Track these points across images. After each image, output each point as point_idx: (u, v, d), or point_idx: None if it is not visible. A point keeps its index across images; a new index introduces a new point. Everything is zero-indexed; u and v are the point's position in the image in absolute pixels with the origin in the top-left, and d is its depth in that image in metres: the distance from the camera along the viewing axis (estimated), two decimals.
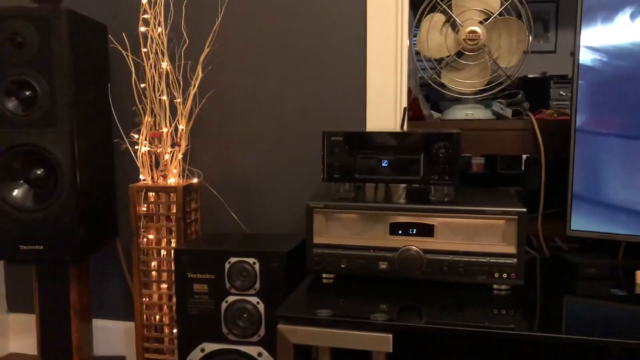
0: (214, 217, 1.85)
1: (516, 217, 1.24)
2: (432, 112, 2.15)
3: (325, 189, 1.45)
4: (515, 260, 1.24)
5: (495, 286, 1.27)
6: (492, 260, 1.25)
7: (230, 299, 1.46)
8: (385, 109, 1.76)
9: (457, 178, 1.29)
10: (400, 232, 1.31)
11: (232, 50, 1.79)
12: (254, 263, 1.44)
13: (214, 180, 1.84)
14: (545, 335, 1.08)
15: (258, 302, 1.45)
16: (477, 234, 1.27)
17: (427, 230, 1.29)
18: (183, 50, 1.75)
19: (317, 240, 1.35)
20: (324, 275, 1.38)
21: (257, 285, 1.44)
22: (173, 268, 1.66)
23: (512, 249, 1.25)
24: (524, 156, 2.44)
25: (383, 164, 1.33)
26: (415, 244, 1.30)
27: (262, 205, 1.84)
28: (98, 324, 1.97)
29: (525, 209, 1.24)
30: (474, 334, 1.09)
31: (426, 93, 2.27)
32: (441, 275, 1.28)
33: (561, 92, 3.19)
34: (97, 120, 1.76)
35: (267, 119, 1.81)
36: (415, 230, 1.30)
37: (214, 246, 1.50)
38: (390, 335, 1.10)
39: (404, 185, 1.52)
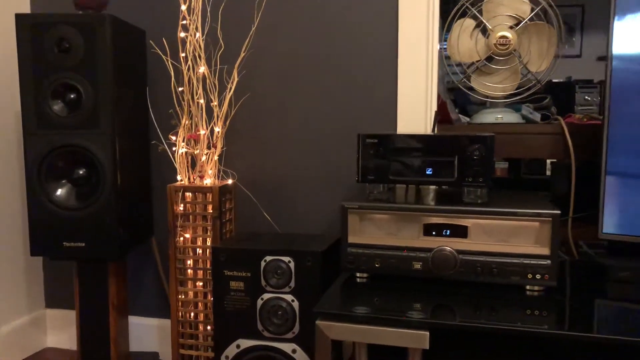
0: (247, 217, 1.90)
1: (550, 219, 1.26)
2: (460, 115, 2.18)
3: (358, 191, 1.49)
4: (549, 261, 1.26)
5: (528, 287, 1.29)
6: (526, 261, 1.28)
7: (266, 296, 1.51)
8: (415, 112, 1.79)
9: (490, 180, 1.32)
10: (433, 233, 1.33)
11: (265, 55, 1.84)
12: (289, 262, 1.48)
13: (248, 181, 1.89)
14: (578, 335, 1.10)
15: (293, 300, 1.49)
16: (510, 236, 1.29)
17: (460, 231, 1.32)
18: (219, 55, 1.80)
19: (351, 239, 1.38)
20: (358, 274, 1.41)
21: (292, 283, 1.48)
22: (209, 266, 1.72)
23: (545, 251, 1.27)
24: (549, 161, 2.44)
25: (417, 166, 1.36)
26: (449, 244, 1.32)
27: (293, 206, 1.88)
28: (132, 320, 2.03)
29: (559, 211, 1.26)
30: (508, 332, 1.12)
31: (453, 97, 2.29)
32: (474, 275, 1.31)
33: (586, 97, 3.18)
34: (136, 123, 1.83)
35: (299, 122, 1.85)
36: (448, 231, 1.33)
37: (250, 245, 1.55)
38: (427, 333, 1.12)
39: (434, 187, 1.55)
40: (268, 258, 1.49)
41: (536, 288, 1.28)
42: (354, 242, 1.38)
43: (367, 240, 1.38)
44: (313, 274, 1.47)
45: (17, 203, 2.05)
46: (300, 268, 1.48)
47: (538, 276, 1.27)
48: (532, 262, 1.27)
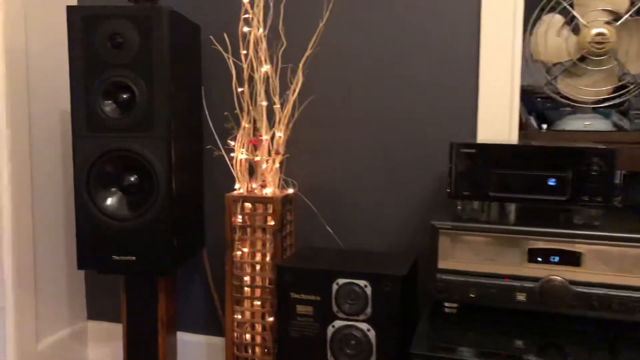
0: (306, 230, 1.74)
1: None
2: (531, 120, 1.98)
3: (440, 207, 1.32)
4: None
5: None
6: None
7: (338, 323, 1.34)
8: (498, 117, 1.61)
9: (611, 200, 1.13)
10: (539, 259, 1.15)
11: (332, 54, 1.68)
12: (365, 286, 1.31)
13: (307, 191, 1.73)
14: None
15: (369, 329, 1.32)
16: (635, 265, 1.10)
17: (572, 259, 1.13)
18: (280, 53, 1.64)
19: (442, 264, 1.21)
20: (447, 304, 1.24)
21: (368, 311, 1.32)
22: (267, 284, 1.56)
23: None
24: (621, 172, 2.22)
25: (523, 182, 1.17)
26: (559, 273, 1.14)
27: (357, 220, 1.71)
28: (178, 336, 1.88)
29: None
30: None
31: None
32: (589, 310, 1.12)
33: None
34: (190, 126, 1.68)
35: (367, 128, 1.68)
36: (557, 257, 1.14)
37: (319, 264, 1.38)
38: None
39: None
40: (341, 281, 1.33)
41: None
42: (446, 268, 1.21)
43: (460, 265, 1.20)
44: (392, 301, 1.30)
45: (60, 210, 1.93)
46: (378, 293, 1.31)
47: None
48: None
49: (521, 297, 1.15)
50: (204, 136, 1.79)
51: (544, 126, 1.91)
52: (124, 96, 1.49)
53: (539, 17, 1.67)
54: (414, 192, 1.66)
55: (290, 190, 1.65)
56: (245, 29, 1.53)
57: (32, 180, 1.79)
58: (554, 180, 1.15)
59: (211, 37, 1.66)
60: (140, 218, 1.50)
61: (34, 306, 1.83)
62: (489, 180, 1.19)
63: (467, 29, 1.59)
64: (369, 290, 1.31)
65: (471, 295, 1.19)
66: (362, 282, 1.32)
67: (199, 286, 1.91)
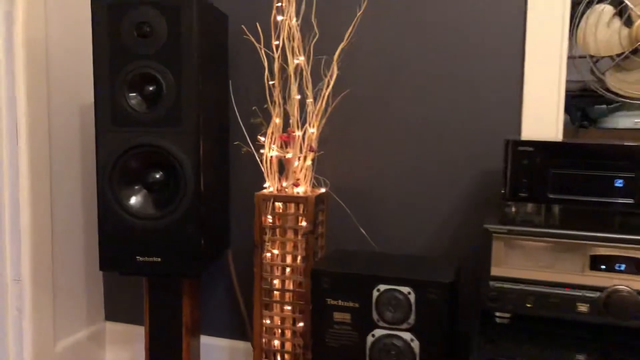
0: (337, 231, 1.66)
1: None
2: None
3: (482, 209, 1.23)
4: None
5: None
6: None
7: (378, 332, 1.26)
8: (544, 114, 1.51)
9: None
10: (603, 267, 1.06)
11: (368, 46, 1.59)
12: (409, 293, 1.23)
13: (339, 190, 1.65)
14: None
15: (412, 340, 1.23)
16: None
17: None
18: (312, 44, 1.55)
19: (495, 272, 1.12)
20: (498, 314, 1.15)
21: (412, 319, 1.23)
22: (298, 288, 1.48)
23: None
24: None
25: (584, 183, 1.08)
26: (624, 282, 1.05)
27: (391, 221, 1.62)
28: (201, 340, 1.81)
29: None
30: None
31: None
32: None
33: None
34: (217, 121, 1.60)
35: (404, 124, 1.59)
36: (624, 265, 1.05)
37: (359, 269, 1.30)
38: None
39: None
40: (382, 287, 1.24)
41: None
42: (499, 275, 1.12)
43: (515, 273, 1.11)
44: (438, 309, 1.21)
45: (79, 209, 1.85)
46: (423, 301, 1.22)
47: None
48: None
49: (583, 307, 1.06)
50: (232, 131, 1.71)
51: (584, 123, 1.82)
52: (150, 88, 1.41)
53: (587, 8, 1.57)
54: (452, 192, 1.57)
55: (322, 190, 1.57)
56: (280, 17, 1.45)
57: (51, 178, 1.72)
58: (620, 181, 1.06)
59: (243, 26, 1.57)
60: (166, 217, 1.42)
61: (51, 307, 1.76)
62: (548, 181, 1.10)
63: (512, 21, 1.50)
64: (412, 297, 1.23)
65: (528, 305, 1.10)
66: (405, 289, 1.23)
67: (222, 288, 1.84)
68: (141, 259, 1.44)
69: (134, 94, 1.42)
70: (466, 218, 1.55)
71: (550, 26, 1.50)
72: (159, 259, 1.44)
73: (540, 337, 1.11)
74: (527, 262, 1.11)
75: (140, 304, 1.92)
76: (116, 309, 2.00)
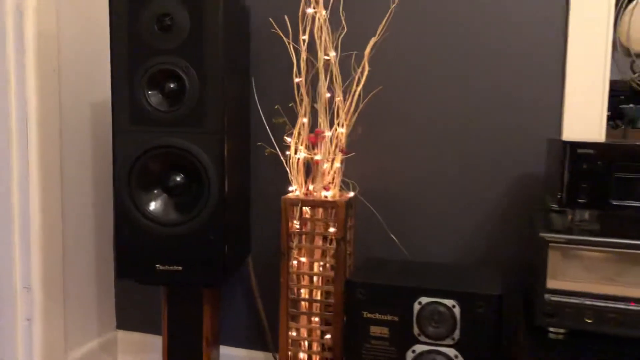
0: (363, 237, 1.57)
1: None
2: None
3: (523, 214, 1.14)
4: None
5: None
6: None
7: (419, 348, 1.17)
8: (587, 113, 1.43)
9: None
10: None
11: (399, 42, 1.50)
12: (454, 306, 1.14)
13: (367, 194, 1.56)
14: None
15: (456, 356, 1.15)
16: None
17: None
18: (340, 39, 1.47)
19: (551, 284, 1.03)
20: (552, 329, 1.06)
21: (457, 335, 1.14)
22: (327, 298, 1.39)
23: None
24: None
25: None
26: None
27: (424, 227, 1.53)
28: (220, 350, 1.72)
29: None
30: None
31: None
32: None
33: None
34: (240, 120, 1.51)
35: (437, 124, 1.50)
36: None
37: (397, 280, 1.21)
38: None
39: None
40: (424, 300, 1.16)
41: None
42: (556, 288, 1.03)
43: (573, 286, 1.03)
44: (486, 324, 1.13)
45: (90, 214, 1.76)
46: (469, 315, 1.13)
47: None
48: None
49: None
50: (254, 131, 1.62)
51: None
52: (171, 86, 1.33)
53: (630, 1, 1.49)
54: (489, 196, 1.48)
55: (351, 193, 1.48)
56: (310, 10, 1.36)
57: (62, 181, 1.63)
58: None
59: (271, 19, 1.48)
60: (188, 223, 1.34)
61: (62, 316, 1.67)
62: (611, 186, 1.01)
63: (553, 14, 1.41)
64: (457, 311, 1.14)
65: (587, 320, 1.01)
66: (449, 302, 1.14)
67: (240, 296, 1.75)
68: (161, 267, 1.35)
69: (154, 92, 1.33)
70: (503, 224, 1.46)
71: (594, 19, 1.41)
72: (180, 268, 1.35)
73: (600, 355, 1.02)
74: (587, 274, 1.02)
75: (153, 312, 1.84)
76: (128, 317, 1.91)
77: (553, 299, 1.03)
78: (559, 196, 1.05)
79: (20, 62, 1.50)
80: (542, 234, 1.03)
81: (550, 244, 1.02)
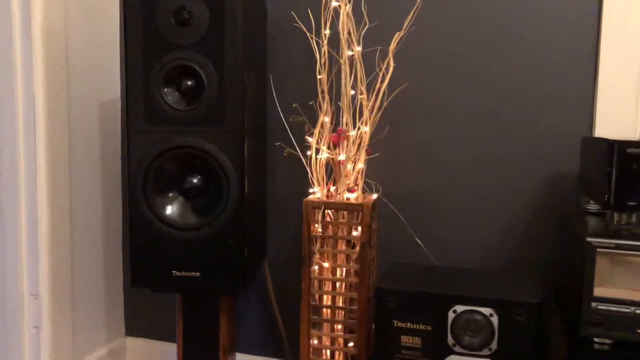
0: (386, 240, 1.51)
1: None
2: None
3: (557, 216, 1.08)
4: None
5: None
6: None
7: (454, 359, 1.11)
8: (623, 110, 1.37)
9: None
10: None
11: (425, 35, 1.44)
12: (491, 315, 1.08)
13: (390, 196, 1.50)
14: None
15: None
16: None
17: None
18: (362, 34, 1.40)
19: (599, 292, 0.97)
20: (597, 340, 1.00)
21: (494, 345, 1.08)
22: (350, 305, 1.33)
23: None
24: None
25: None
26: None
27: (449, 230, 1.47)
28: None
29: None
30: None
31: None
32: None
33: None
34: (258, 119, 1.45)
35: (464, 123, 1.44)
36: None
37: (430, 287, 1.15)
38: None
39: None
40: (459, 308, 1.10)
41: None
42: (604, 296, 0.97)
43: (622, 294, 0.97)
44: (526, 334, 1.07)
45: (99, 218, 1.70)
46: (507, 324, 1.07)
47: None
48: None
49: None
50: (270, 130, 1.56)
51: None
52: (188, 83, 1.26)
53: None
54: (518, 198, 1.42)
55: (375, 195, 1.42)
56: (335, 2, 1.30)
57: (71, 183, 1.57)
58: None
59: (293, 13, 1.42)
60: (206, 227, 1.27)
61: (70, 324, 1.61)
62: None
63: (585, 7, 1.35)
64: (495, 320, 1.08)
65: (639, 330, 0.95)
66: (486, 310, 1.08)
67: (255, 302, 1.68)
68: (178, 273, 1.29)
69: (170, 89, 1.27)
70: (533, 226, 1.40)
71: (629, 10, 1.35)
72: (198, 274, 1.29)
73: None
74: (636, 281, 0.96)
75: (163, 318, 1.78)
76: (137, 324, 1.85)
77: (600, 307, 0.97)
78: (605, 198, 0.99)
79: (27, 58, 1.44)
80: (589, 239, 0.97)
81: (598, 250, 0.96)
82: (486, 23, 1.40)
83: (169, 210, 1.29)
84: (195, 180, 1.31)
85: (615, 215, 1.02)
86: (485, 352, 1.09)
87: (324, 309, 1.37)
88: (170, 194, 1.31)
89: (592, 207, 1.20)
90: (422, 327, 1.12)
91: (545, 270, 1.37)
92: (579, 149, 1.34)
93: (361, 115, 1.36)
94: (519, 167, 1.42)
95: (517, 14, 1.38)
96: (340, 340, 1.36)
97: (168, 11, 1.23)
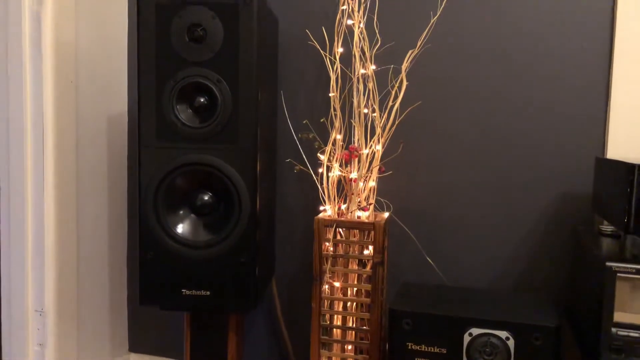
0: (396, 259, 1.49)
1: None
2: None
3: (569, 238, 1.07)
4: None
5: None
6: None
7: None
8: (635, 131, 1.37)
9: None
10: None
11: (436, 53, 1.44)
12: (507, 338, 1.07)
13: (400, 214, 1.49)
14: None
15: None
16: None
17: None
18: (374, 52, 1.40)
19: (619, 317, 0.96)
20: None
21: None
22: (362, 326, 1.31)
23: None
24: None
25: None
26: None
27: (460, 249, 1.46)
28: None
29: None
30: None
31: None
32: None
33: None
34: (269, 136, 1.44)
35: (475, 141, 1.44)
36: None
37: (445, 309, 1.13)
38: None
39: None
40: (475, 331, 1.08)
41: None
42: (624, 322, 0.96)
43: None
44: (543, 358, 1.05)
45: (104, 234, 1.68)
46: (524, 348, 1.06)
47: None
48: None
49: None
50: (281, 147, 1.55)
51: None
52: (202, 100, 1.25)
53: None
54: (529, 217, 1.41)
55: (386, 214, 1.41)
56: (350, 21, 1.29)
57: (77, 200, 1.55)
58: None
59: (307, 31, 1.42)
60: (217, 245, 1.26)
61: (75, 341, 1.58)
62: None
63: (597, 26, 1.35)
64: (511, 343, 1.07)
65: None
66: (502, 334, 1.07)
67: (262, 320, 1.66)
68: (188, 292, 1.27)
69: (183, 106, 1.26)
70: (544, 247, 1.39)
71: None
72: (208, 293, 1.27)
73: None
74: None
75: (166, 334, 1.76)
76: (141, 340, 1.82)
77: (620, 333, 0.96)
78: (625, 221, 0.98)
79: (37, 73, 1.43)
80: (609, 263, 0.96)
81: (618, 274, 0.95)
82: (499, 43, 1.40)
83: (181, 228, 1.28)
84: (206, 197, 1.30)
85: (623, 236, 1.01)
86: None
87: (334, 329, 1.35)
88: (181, 211, 1.30)
89: (607, 228, 1.20)
90: (437, 349, 1.11)
91: (555, 289, 1.36)
92: (589, 168, 1.33)
93: (373, 133, 1.35)
94: (530, 186, 1.41)
95: (529, 34, 1.38)
96: None
97: (182, 28, 1.22)
